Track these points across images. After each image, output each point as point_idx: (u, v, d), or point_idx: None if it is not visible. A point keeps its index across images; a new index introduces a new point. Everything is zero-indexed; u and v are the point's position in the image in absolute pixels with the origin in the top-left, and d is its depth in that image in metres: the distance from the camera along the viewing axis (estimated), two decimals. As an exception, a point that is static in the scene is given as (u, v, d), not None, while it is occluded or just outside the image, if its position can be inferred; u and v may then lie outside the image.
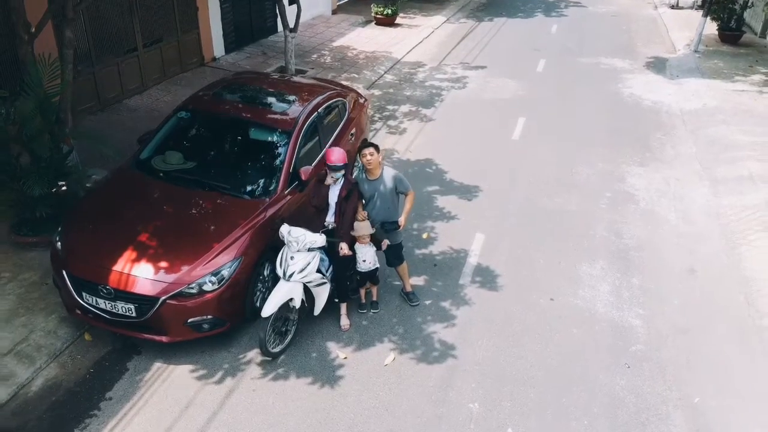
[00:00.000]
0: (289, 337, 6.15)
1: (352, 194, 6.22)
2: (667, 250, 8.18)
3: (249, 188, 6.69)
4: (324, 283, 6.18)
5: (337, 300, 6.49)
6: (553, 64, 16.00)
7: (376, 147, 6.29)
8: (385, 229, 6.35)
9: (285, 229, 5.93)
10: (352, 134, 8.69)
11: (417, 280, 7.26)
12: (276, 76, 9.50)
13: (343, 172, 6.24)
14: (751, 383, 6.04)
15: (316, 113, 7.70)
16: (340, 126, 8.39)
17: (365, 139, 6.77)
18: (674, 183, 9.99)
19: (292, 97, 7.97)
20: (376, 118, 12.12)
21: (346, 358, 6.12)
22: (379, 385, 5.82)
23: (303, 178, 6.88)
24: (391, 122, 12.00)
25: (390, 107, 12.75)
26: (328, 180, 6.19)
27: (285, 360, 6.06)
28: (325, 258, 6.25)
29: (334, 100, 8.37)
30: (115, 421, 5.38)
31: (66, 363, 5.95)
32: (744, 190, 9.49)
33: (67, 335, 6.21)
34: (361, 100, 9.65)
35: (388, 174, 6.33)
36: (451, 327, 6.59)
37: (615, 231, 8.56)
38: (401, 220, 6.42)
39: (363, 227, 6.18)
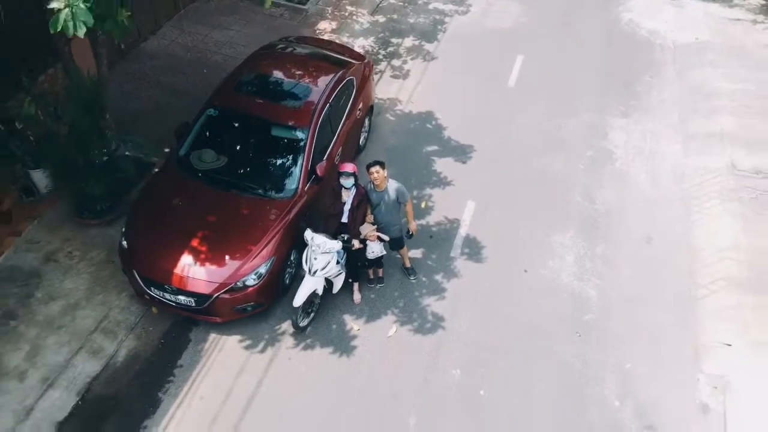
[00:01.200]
0: (314, 314, 7.77)
1: (362, 203, 7.48)
2: (632, 216, 9.54)
3: (276, 189, 7.92)
4: (341, 272, 7.68)
5: (350, 280, 8.02)
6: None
7: (382, 165, 7.42)
8: (392, 240, 7.72)
9: (309, 235, 7.30)
10: (359, 109, 9.64)
11: (415, 253, 8.73)
12: (282, 47, 10.02)
13: (353, 180, 7.43)
14: (676, 352, 7.76)
15: (328, 105, 8.64)
16: (349, 105, 9.32)
17: (375, 160, 7.68)
18: (650, 138, 11.02)
19: (306, 86, 8.82)
20: (380, 56, 12.74)
21: (359, 329, 7.81)
22: (384, 355, 7.56)
23: (319, 174, 8.09)
24: (395, 62, 12.64)
25: (394, 40, 13.26)
26: (344, 196, 7.41)
27: (312, 332, 7.74)
28: (341, 250, 7.65)
29: (345, 81, 9.20)
30: (188, 385, 7.18)
31: (141, 335, 7.64)
32: (711, 151, 10.59)
33: (139, 310, 7.85)
34: (365, 61, 10.39)
35: (392, 186, 7.53)
36: (442, 300, 8.19)
37: (589, 196, 9.84)
38: (412, 227, 7.78)
39: (365, 228, 7.51)
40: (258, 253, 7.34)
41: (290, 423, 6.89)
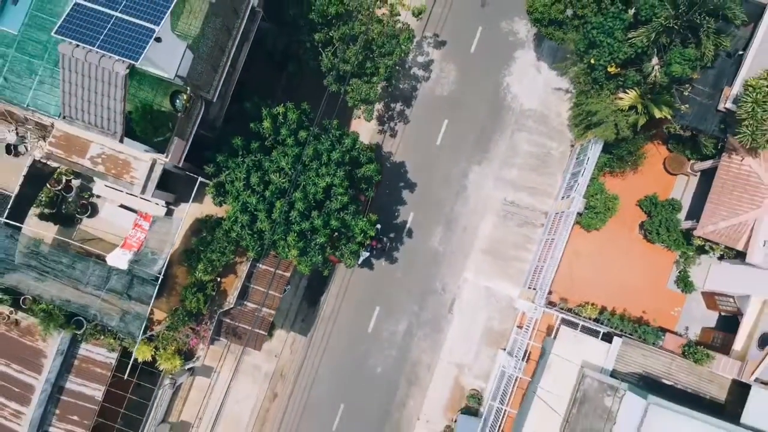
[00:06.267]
0: (363, 259, 29.32)
1: (379, 243, 28.14)
2: (463, 219, 29.48)
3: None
4: (369, 253, 28.88)
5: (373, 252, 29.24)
6: (487, 39, 29.62)
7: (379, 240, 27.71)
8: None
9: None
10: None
11: (391, 235, 29.39)
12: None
13: (374, 245, 27.84)
14: (458, 270, 29.34)
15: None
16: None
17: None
18: (483, 178, 29.49)
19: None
20: (385, 119, 29.58)
21: (374, 265, 29.41)
22: (383, 271, 29.39)
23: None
24: (392, 123, 29.60)
25: (392, 105, 29.60)
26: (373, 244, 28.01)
27: (363, 263, 29.32)
28: (368, 252, 28.53)
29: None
30: (332, 279, 29.41)
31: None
32: (501, 188, 29.36)
33: (316, 255, 29.41)
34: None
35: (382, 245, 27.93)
36: (398, 251, 29.41)
37: (451, 208, 29.48)
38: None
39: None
40: (348, 254, 28.51)
41: (364, 285, 29.37)
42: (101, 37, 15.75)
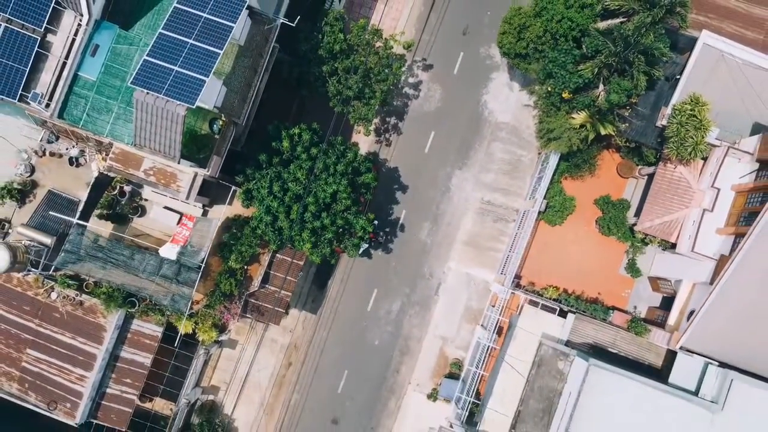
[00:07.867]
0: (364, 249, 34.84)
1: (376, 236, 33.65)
2: (448, 215, 34.96)
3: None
4: (368, 244, 34.44)
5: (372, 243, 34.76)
6: (467, 63, 34.89)
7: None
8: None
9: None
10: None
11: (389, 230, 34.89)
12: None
13: (373, 238, 33.34)
14: (443, 258, 34.92)
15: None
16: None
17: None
18: (464, 180, 34.91)
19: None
20: (381, 130, 34.94)
21: (373, 254, 34.94)
22: (380, 258, 34.92)
23: (363, 222, 33.91)
24: (387, 135, 34.96)
25: (387, 119, 34.93)
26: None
27: (363, 254, 34.83)
28: (367, 244, 34.06)
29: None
30: (339, 267, 34.99)
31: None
32: (479, 190, 34.79)
33: (323, 247, 34.95)
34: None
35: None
36: (393, 243, 34.92)
37: (437, 207, 34.96)
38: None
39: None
40: (351, 245, 34.03)
41: (364, 271, 34.92)
42: (166, 87, 21.04)
